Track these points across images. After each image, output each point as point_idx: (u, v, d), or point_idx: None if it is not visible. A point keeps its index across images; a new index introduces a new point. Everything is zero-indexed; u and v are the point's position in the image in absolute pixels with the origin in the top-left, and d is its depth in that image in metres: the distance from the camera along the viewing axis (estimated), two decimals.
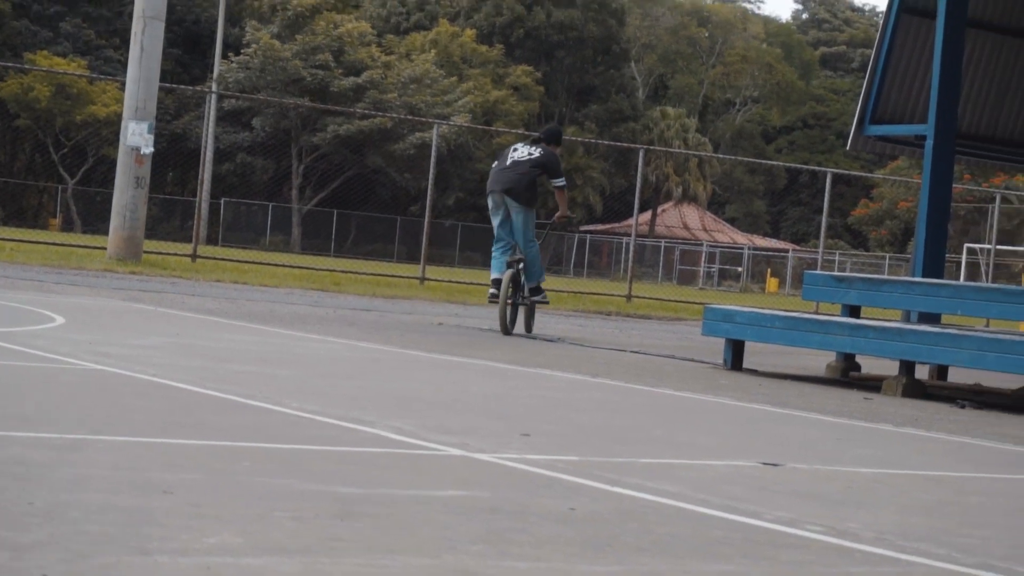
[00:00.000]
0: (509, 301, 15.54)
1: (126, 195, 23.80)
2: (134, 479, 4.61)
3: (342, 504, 4.46)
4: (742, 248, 77.70)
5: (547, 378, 10.55)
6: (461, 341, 14.01)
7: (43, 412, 6.17)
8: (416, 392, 8.69)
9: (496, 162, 16.35)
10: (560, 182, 16.26)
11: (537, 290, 16.06)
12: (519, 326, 15.80)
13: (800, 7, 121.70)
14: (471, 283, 28.51)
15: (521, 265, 15.79)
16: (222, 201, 65.13)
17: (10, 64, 63.01)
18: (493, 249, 16.24)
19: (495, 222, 16.00)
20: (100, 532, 3.69)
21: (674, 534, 4.53)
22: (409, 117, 60.73)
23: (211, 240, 54.70)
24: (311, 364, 10.15)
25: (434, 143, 29.03)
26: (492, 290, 15.85)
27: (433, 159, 28.57)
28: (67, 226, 64.78)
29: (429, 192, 28.76)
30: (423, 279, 27.76)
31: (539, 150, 15.95)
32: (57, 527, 3.72)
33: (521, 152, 16.00)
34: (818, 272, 16.20)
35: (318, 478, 5.03)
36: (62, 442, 5.29)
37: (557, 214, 16.61)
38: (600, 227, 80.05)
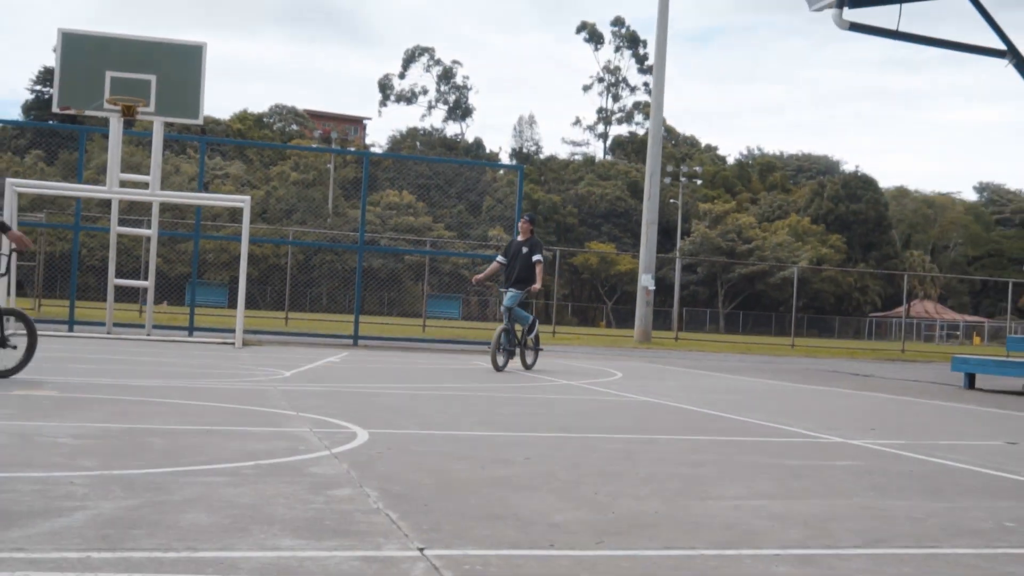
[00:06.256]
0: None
1: (641, 310, 46.01)
2: (682, 460, 8.83)
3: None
4: None
5: None
6: None
7: (620, 423, 11.23)
8: None
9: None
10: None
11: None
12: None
13: None
14: None
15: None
16: None
17: None
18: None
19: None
20: (672, 489, 7.89)
21: None
22: None
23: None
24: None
25: None
26: None
27: None
28: (607, 325, 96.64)
29: None
30: None
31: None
32: (650, 485, 7.88)
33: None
34: (1019, 336, 25.02)
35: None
36: (637, 440, 9.91)
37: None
38: None
